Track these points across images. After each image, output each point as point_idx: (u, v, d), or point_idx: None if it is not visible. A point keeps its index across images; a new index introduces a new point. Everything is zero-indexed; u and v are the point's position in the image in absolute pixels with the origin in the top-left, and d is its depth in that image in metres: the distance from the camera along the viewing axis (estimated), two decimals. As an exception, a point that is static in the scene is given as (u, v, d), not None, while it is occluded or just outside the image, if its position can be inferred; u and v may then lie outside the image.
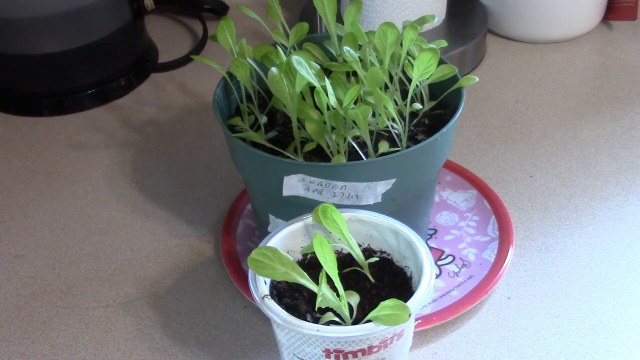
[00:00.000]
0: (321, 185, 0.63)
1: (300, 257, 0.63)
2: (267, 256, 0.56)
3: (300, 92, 0.64)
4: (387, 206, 0.65)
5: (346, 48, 0.66)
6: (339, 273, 0.57)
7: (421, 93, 0.70)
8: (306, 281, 0.57)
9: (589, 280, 0.73)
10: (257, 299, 0.57)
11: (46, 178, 0.88)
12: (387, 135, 0.67)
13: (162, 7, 1.15)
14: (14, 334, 0.70)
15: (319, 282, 0.55)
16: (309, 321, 0.56)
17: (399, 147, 0.66)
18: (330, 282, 0.57)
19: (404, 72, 0.69)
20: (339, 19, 0.78)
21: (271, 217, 0.69)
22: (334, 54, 0.72)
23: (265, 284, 0.58)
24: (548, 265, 0.74)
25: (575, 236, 0.77)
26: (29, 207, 0.84)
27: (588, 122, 0.91)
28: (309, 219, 0.62)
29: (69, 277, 0.76)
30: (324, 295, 0.56)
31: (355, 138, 0.65)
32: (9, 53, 0.94)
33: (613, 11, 1.07)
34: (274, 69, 0.63)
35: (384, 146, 0.65)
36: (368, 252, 0.64)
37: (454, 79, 0.69)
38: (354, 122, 0.64)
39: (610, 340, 0.67)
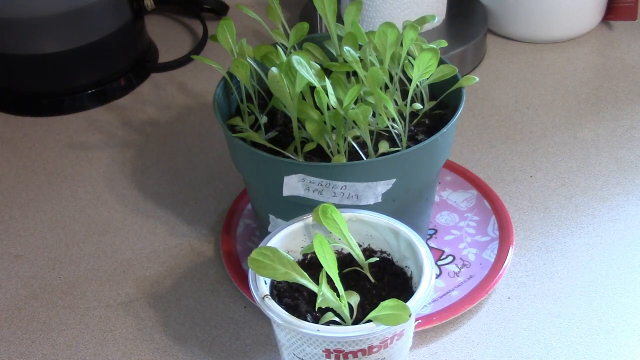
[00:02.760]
0: (321, 185, 0.63)
1: (300, 257, 0.63)
2: (267, 256, 0.56)
3: (301, 92, 0.64)
4: (387, 206, 0.65)
5: (346, 48, 0.66)
6: (339, 273, 0.57)
7: (421, 93, 0.70)
8: (306, 281, 0.57)
9: (589, 280, 0.73)
10: (257, 299, 0.57)
11: (46, 178, 0.88)
12: (387, 135, 0.67)
13: (162, 7, 1.15)
14: (14, 334, 0.70)
15: (319, 282, 0.55)
16: (309, 321, 0.56)
17: (399, 147, 0.66)
18: (330, 282, 0.57)
19: (404, 72, 0.69)
20: (339, 19, 0.78)
21: (271, 217, 0.69)
22: (334, 54, 0.72)
23: (266, 284, 0.58)
24: (548, 265, 0.74)
25: (575, 236, 0.77)
26: (29, 207, 0.84)
27: (588, 122, 0.91)
28: (309, 219, 0.62)
29: (69, 277, 0.75)
30: (324, 295, 0.56)
31: (356, 138, 0.65)
32: (9, 53, 0.94)
33: (613, 11, 1.07)
34: (274, 69, 0.63)
35: (384, 146, 0.65)
36: (368, 252, 0.64)
37: (454, 79, 0.69)
38: (354, 122, 0.64)
39: (610, 340, 0.67)
